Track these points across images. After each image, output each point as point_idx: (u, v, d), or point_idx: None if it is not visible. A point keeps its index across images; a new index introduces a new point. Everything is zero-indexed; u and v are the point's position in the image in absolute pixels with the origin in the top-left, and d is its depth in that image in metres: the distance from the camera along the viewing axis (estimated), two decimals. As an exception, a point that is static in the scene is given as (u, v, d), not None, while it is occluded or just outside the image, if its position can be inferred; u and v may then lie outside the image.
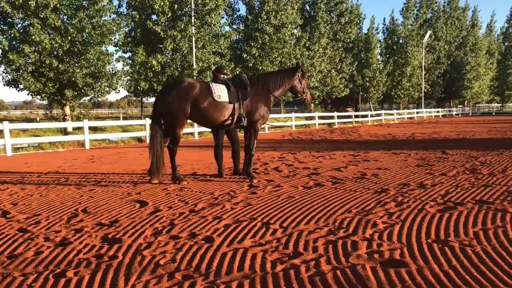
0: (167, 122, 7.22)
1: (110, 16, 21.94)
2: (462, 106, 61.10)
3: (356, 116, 34.53)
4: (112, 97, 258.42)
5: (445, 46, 54.65)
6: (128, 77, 25.46)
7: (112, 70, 22.37)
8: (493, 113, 57.52)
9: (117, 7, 25.82)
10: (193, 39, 25.04)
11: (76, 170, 9.30)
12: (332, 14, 41.24)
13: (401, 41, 47.21)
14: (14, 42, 19.69)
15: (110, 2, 21.62)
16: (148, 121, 17.53)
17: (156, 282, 3.14)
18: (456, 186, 6.46)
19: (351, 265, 3.36)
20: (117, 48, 25.78)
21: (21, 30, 19.67)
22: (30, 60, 19.53)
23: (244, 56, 29.68)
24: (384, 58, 47.68)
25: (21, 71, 19.46)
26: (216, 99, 7.07)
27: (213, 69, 25.16)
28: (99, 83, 21.63)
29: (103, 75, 21.51)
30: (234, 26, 32.34)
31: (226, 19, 31.36)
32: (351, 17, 42.39)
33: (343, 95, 40.21)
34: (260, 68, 30.01)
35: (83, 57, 20.74)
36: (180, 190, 6.63)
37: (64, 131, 21.98)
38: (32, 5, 18.44)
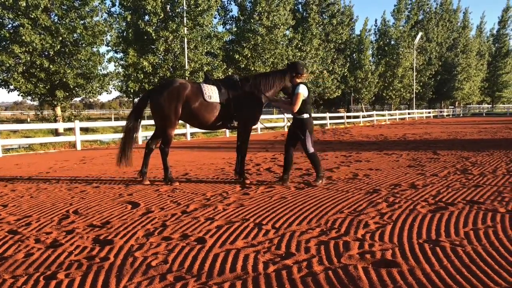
0: (158, 123, 7.24)
1: (101, 17, 21.86)
2: (453, 107, 61.56)
3: (348, 117, 34.63)
4: (104, 98, 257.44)
5: (436, 48, 55.01)
6: (119, 79, 25.33)
7: (104, 71, 22.28)
8: (484, 114, 58.04)
9: (109, 7, 25.71)
10: (185, 40, 24.99)
11: (67, 171, 9.24)
12: (324, 15, 41.34)
13: (392, 42, 47.44)
14: (4, 43, 19.53)
15: (102, 2, 21.53)
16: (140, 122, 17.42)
17: (148, 283, 3.12)
18: (447, 186, 6.51)
19: (343, 265, 3.37)
20: (109, 48, 25.66)
21: (11, 31, 19.51)
22: (20, 61, 19.37)
23: (237, 57, 29.66)
24: (375, 59, 47.87)
25: (11, 71, 19.30)
26: (207, 100, 7.07)
27: (205, 70, 25.22)
28: (90, 84, 21.51)
29: (95, 76, 21.40)
30: (227, 27, 32.31)
31: (219, 19, 31.31)
32: (343, 18, 42.50)
33: (335, 96, 40.34)
34: (253, 69, 30.00)
35: (74, 57, 20.61)
36: (172, 191, 6.61)
37: (55, 132, 21.85)
38: (22, 5, 18.30)
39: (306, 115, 6.92)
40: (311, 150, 6.90)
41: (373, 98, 47.74)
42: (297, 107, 6.80)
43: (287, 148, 7.06)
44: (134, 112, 7.57)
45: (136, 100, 30.93)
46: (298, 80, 6.98)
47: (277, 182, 7.04)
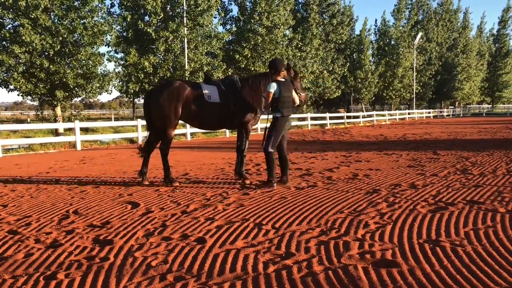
0: (158, 123, 7.24)
1: (101, 17, 21.84)
2: (453, 107, 61.51)
3: (348, 117, 34.64)
4: (104, 98, 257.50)
5: (437, 48, 54.99)
6: (119, 79, 25.33)
7: (104, 71, 22.27)
8: (484, 114, 58.02)
9: (109, 7, 25.71)
10: (185, 40, 24.99)
11: (67, 172, 9.24)
12: (324, 15, 41.32)
13: (392, 42, 47.42)
14: (4, 43, 19.53)
15: (102, 2, 21.52)
16: (140, 122, 17.47)
17: (148, 283, 3.12)
18: (447, 186, 6.50)
19: (343, 265, 3.37)
20: (109, 48, 25.70)
21: (11, 31, 19.50)
22: (20, 61, 19.37)
23: (237, 57, 29.65)
24: (375, 59, 47.85)
25: (11, 71, 19.29)
26: (207, 100, 7.06)
27: (205, 70, 25.21)
28: (90, 84, 21.50)
29: (95, 76, 21.40)
30: (227, 27, 32.29)
31: (219, 20, 31.28)
32: (343, 18, 42.49)
33: (335, 96, 40.30)
34: (253, 69, 29.98)
35: (74, 57, 20.60)
36: (172, 191, 6.61)
37: (55, 132, 21.84)
38: (22, 5, 18.30)
39: (278, 114, 6.74)
40: (269, 150, 6.74)
41: (373, 98, 47.72)
42: (266, 103, 6.89)
43: (277, 149, 7.01)
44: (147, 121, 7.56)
45: (136, 100, 30.97)
46: (278, 78, 6.83)
47: (277, 183, 7.01)
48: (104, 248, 3.91)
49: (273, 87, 6.67)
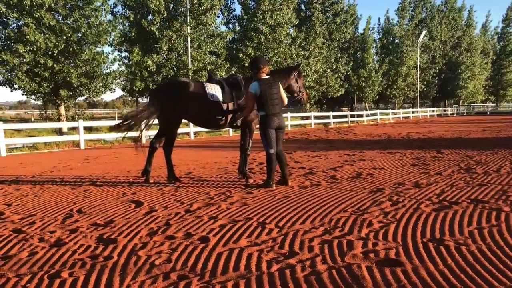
0: (162, 122, 7.26)
1: (105, 16, 21.90)
2: (457, 105, 61.36)
3: (352, 116, 34.58)
4: (108, 97, 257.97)
5: (440, 46, 54.82)
6: (124, 77, 25.40)
7: (108, 70, 22.33)
8: (488, 113, 57.82)
9: (112, 7, 25.77)
10: (189, 39, 25.01)
11: (71, 171, 9.26)
12: (327, 13, 41.25)
13: (396, 41, 47.30)
14: (8, 42, 19.60)
15: (105, 2, 21.56)
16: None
17: (152, 282, 3.13)
18: (451, 185, 6.48)
19: (347, 264, 3.36)
20: (113, 48, 25.73)
21: (15, 30, 19.58)
22: (24, 60, 19.44)
23: (240, 56, 29.64)
24: (379, 58, 47.76)
25: (15, 71, 19.36)
26: (210, 99, 7.05)
27: (208, 69, 25.21)
28: (94, 83, 21.56)
29: (98, 75, 21.45)
30: (230, 26, 32.30)
31: (222, 18, 31.31)
32: (346, 17, 42.41)
33: (338, 95, 40.26)
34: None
35: (78, 57, 20.66)
36: (175, 190, 6.62)
37: (59, 131, 21.91)
38: (27, 4, 18.36)
39: (262, 113, 6.55)
40: (269, 150, 6.53)
41: (377, 96, 47.64)
42: (248, 104, 6.79)
43: None
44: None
45: (140, 99, 31.01)
46: (262, 75, 6.63)
47: (279, 183, 6.92)
48: (107, 247, 3.92)
49: (251, 87, 6.53)
